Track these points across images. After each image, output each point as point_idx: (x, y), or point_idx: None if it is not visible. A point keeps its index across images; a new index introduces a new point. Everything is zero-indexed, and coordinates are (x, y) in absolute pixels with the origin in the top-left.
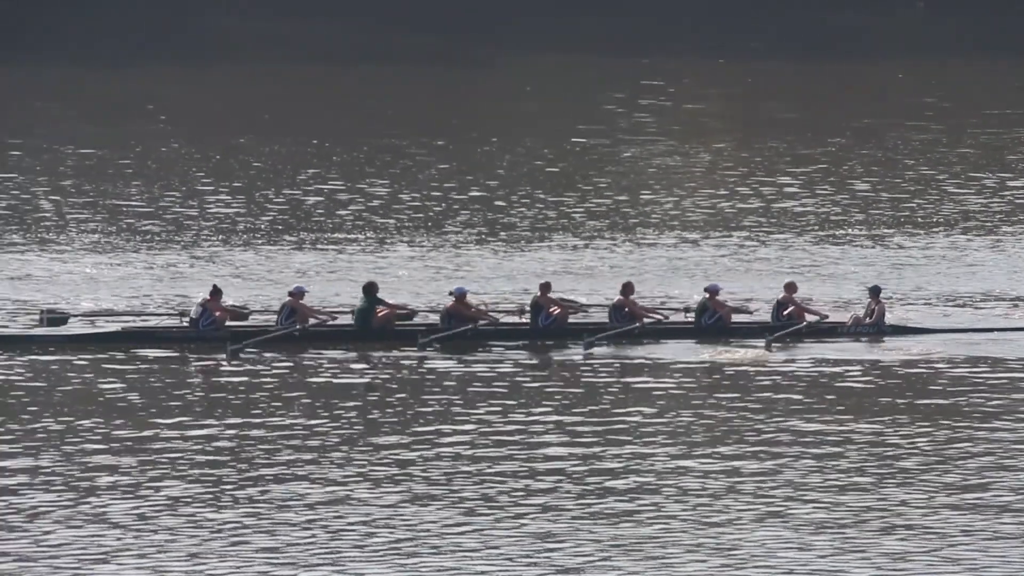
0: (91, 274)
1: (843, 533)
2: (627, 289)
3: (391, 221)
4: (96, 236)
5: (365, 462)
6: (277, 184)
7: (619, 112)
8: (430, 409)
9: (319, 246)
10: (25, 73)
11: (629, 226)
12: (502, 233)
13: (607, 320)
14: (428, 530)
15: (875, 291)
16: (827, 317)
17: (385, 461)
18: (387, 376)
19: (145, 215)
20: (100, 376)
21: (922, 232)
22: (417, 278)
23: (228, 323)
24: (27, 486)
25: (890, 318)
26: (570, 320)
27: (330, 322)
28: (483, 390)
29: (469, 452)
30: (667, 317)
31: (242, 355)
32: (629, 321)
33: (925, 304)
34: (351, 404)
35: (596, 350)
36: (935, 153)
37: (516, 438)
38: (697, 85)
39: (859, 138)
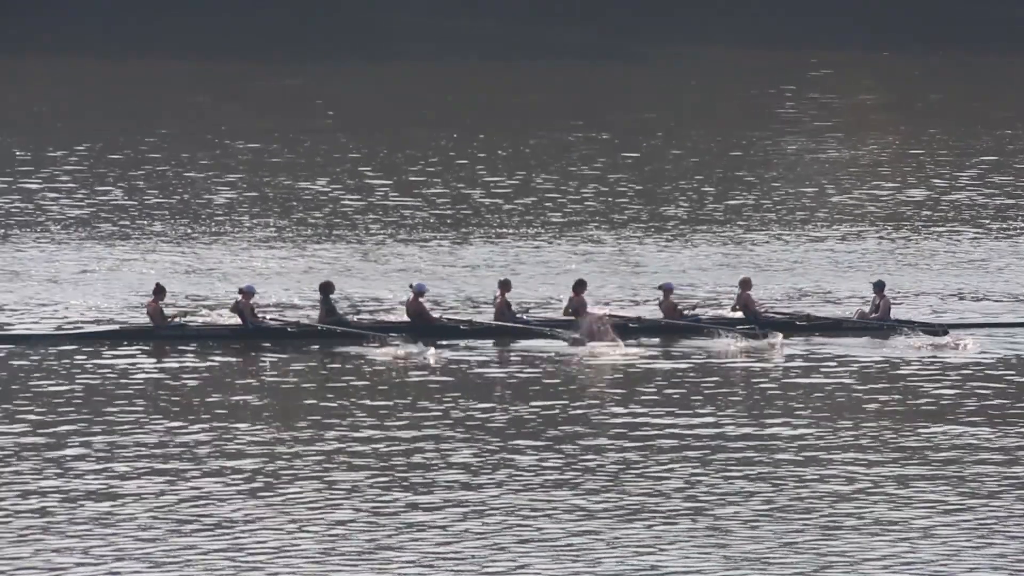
0: (261, 268)
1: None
2: (580, 287)
3: (557, 215)
4: (266, 231)
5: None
6: (444, 179)
7: (784, 105)
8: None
9: (485, 240)
10: (197, 70)
11: (796, 220)
12: (668, 225)
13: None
14: (599, 531)
15: (879, 286)
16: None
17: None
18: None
19: (313, 209)
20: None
21: None
22: (583, 272)
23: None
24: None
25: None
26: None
27: (268, 321)
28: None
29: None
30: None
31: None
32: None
33: None
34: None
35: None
36: None
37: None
38: (863, 78)
39: None
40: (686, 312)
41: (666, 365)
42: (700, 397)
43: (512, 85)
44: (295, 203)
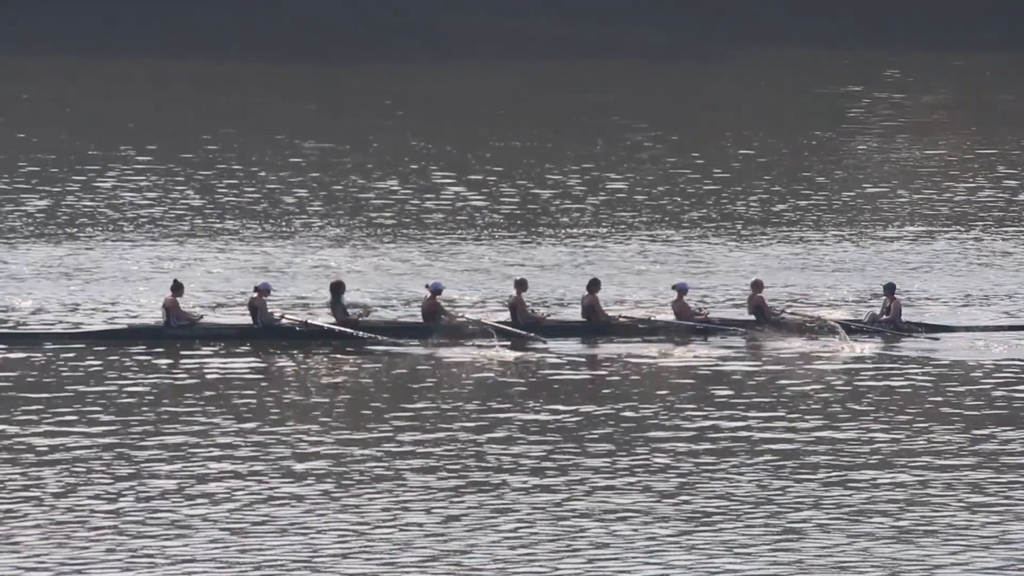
0: (334, 268)
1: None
2: (594, 286)
3: (627, 215)
4: (335, 230)
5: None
6: (513, 178)
7: (855, 106)
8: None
9: (555, 240)
10: (268, 70)
11: (865, 221)
12: (737, 226)
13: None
14: (664, 534)
15: (890, 288)
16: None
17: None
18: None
19: (381, 209)
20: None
21: None
22: (651, 271)
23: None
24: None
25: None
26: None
27: (284, 322)
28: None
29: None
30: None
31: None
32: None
33: None
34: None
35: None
36: None
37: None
38: (932, 78)
39: None
40: (697, 314)
41: (735, 367)
42: (771, 399)
43: (582, 85)
44: (364, 203)
